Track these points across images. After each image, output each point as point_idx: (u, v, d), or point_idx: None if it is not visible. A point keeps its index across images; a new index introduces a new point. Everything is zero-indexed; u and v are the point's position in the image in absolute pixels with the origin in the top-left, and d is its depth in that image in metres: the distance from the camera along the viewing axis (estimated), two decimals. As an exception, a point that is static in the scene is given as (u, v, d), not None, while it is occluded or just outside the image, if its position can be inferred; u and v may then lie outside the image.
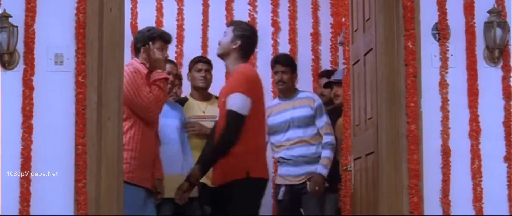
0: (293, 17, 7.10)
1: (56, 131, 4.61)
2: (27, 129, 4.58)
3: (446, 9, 4.80)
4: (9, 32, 4.55)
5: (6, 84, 4.63)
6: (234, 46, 5.08)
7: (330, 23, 7.13)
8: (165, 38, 5.49)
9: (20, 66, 4.64)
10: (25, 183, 4.55)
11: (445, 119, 4.78)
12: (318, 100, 6.42)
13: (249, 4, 6.66)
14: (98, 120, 4.57)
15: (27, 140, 4.57)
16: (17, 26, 4.58)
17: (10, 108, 4.60)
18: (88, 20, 4.60)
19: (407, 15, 4.71)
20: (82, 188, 4.55)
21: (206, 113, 6.25)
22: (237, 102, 4.89)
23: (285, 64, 6.46)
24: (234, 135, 4.89)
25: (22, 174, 4.56)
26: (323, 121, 6.37)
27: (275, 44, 7.31)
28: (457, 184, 4.76)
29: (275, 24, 7.27)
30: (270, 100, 6.56)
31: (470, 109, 4.81)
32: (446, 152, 4.76)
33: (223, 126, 4.97)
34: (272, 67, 6.56)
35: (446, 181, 4.75)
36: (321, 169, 6.27)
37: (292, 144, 6.34)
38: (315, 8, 7.12)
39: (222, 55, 5.17)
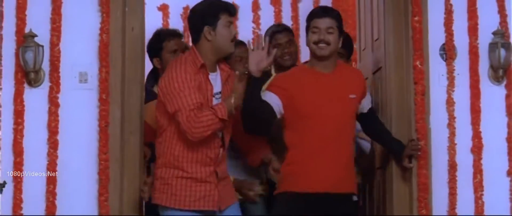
0: (296, 35, 6.90)
1: (80, 146, 4.54)
2: (52, 144, 4.51)
3: (452, 30, 4.76)
4: (35, 51, 4.48)
5: (32, 101, 4.55)
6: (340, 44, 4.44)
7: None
8: (231, 11, 4.25)
9: (46, 84, 4.56)
10: (50, 197, 4.49)
11: (451, 135, 4.75)
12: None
13: (253, 22, 6.60)
14: (121, 136, 4.50)
15: (52, 155, 4.50)
16: (42, 45, 4.50)
17: (36, 124, 4.53)
18: (112, 39, 4.53)
19: (416, 36, 4.67)
20: (105, 201, 4.49)
21: None
22: None
23: None
24: None
25: (48, 188, 4.50)
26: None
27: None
28: (462, 198, 4.74)
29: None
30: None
31: (474, 125, 4.79)
32: (452, 167, 4.74)
33: None
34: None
35: (453, 195, 4.71)
36: (367, 145, 5.12)
37: None
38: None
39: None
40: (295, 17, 6.12)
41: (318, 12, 4.38)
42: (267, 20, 5.93)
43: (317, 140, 4.22)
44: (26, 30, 4.55)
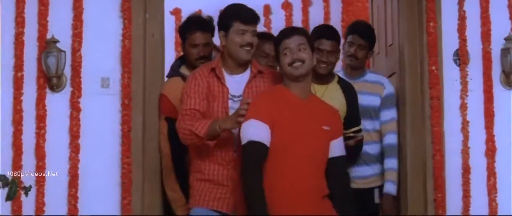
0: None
1: (102, 150, 4.56)
2: (74, 149, 4.53)
3: (465, 36, 4.82)
4: (57, 57, 4.49)
5: (54, 106, 4.57)
6: (314, 62, 4.04)
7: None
8: (243, 19, 4.11)
9: (67, 89, 4.57)
10: (72, 200, 4.52)
11: (465, 139, 4.80)
12: (389, 88, 4.73)
13: (265, 26, 6.28)
14: (142, 140, 4.53)
15: (74, 159, 4.52)
16: (64, 51, 4.52)
17: (58, 129, 4.55)
18: (133, 46, 4.56)
19: (430, 42, 4.73)
20: (127, 205, 4.52)
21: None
22: None
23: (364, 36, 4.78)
24: None
25: (70, 191, 4.53)
26: (390, 114, 4.72)
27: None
28: (476, 200, 4.80)
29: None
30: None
31: (487, 129, 4.84)
32: (466, 170, 4.79)
33: None
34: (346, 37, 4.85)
35: (467, 197, 4.77)
36: (392, 187, 4.64)
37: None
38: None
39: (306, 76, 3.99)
40: (305, 21, 6.12)
41: (285, 33, 4.05)
42: (278, 24, 5.94)
43: (290, 169, 3.85)
44: (48, 36, 4.56)
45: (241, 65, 4.15)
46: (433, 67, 4.77)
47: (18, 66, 4.56)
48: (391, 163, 4.65)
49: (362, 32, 4.72)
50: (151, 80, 4.60)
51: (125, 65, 4.59)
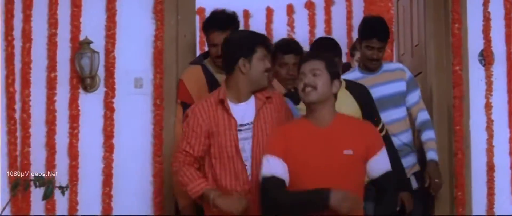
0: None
1: (135, 150, 4.61)
2: (108, 148, 4.58)
3: (490, 37, 4.89)
4: (91, 58, 4.53)
5: (87, 106, 4.61)
6: (335, 89, 3.70)
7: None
8: (267, 45, 3.99)
9: (101, 89, 4.61)
10: (107, 199, 4.57)
11: (490, 138, 4.87)
12: (409, 72, 4.71)
13: (288, 25, 6.49)
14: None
15: (108, 158, 4.57)
16: (98, 52, 4.55)
17: (91, 129, 4.59)
18: (166, 46, 4.59)
19: (455, 42, 4.81)
20: (159, 204, 4.57)
21: None
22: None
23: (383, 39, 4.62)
24: None
25: (104, 190, 4.59)
26: (417, 95, 4.66)
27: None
28: (500, 198, 4.88)
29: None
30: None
31: (510, 128, 4.91)
32: (491, 168, 4.85)
33: None
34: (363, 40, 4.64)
35: (491, 195, 4.84)
36: (434, 154, 4.59)
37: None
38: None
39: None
40: (328, 21, 6.15)
41: (303, 57, 3.84)
42: (301, 23, 5.96)
43: None
44: (81, 37, 4.60)
45: (249, 93, 3.92)
46: (457, 68, 4.84)
47: (51, 67, 4.60)
48: (429, 134, 4.61)
49: (381, 35, 4.56)
50: (183, 81, 4.64)
51: (157, 66, 4.63)
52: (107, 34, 4.64)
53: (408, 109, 4.66)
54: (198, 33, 4.81)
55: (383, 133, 4.24)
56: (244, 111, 3.89)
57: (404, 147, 4.59)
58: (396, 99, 4.60)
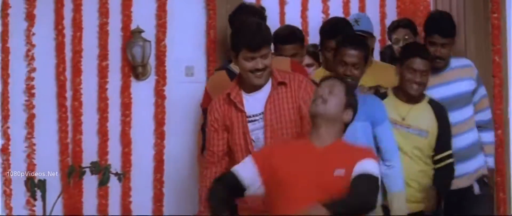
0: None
1: (185, 137, 4.65)
2: (160, 135, 4.65)
3: (529, 26, 4.97)
4: (143, 46, 4.59)
5: (138, 94, 4.68)
6: (346, 117, 3.40)
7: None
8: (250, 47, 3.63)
9: (152, 78, 4.68)
10: (158, 185, 4.65)
11: (528, 125, 4.97)
12: (475, 68, 4.38)
13: (323, 12, 5.81)
14: (224, 127, 4.69)
15: (160, 145, 4.65)
16: (149, 41, 4.61)
17: (142, 116, 4.66)
18: (218, 35, 4.66)
19: (494, 32, 4.90)
20: (209, 189, 4.72)
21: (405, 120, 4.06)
22: None
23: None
24: None
25: (155, 176, 4.67)
26: (483, 91, 4.36)
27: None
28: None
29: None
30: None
31: (546, 115, 5.01)
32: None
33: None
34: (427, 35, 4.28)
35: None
36: (491, 161, 4.36)
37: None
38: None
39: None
40: (362, 8, 6.11)
41: (325, 77, 3.55)
42: (336, 9, 5.96)
43: None
44: (132, 27, 4.65)
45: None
46: (496, 57, 4.95)
47: (103, 55, 4.66)
48: (490, 137, 4.38)
49: (444, 31, 4.21)
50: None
51: (210, 55, 4.69)
52: (158, 23, 4.70)
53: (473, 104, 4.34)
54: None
55: (450, 160, 4.06)
56: (259, 100, 3.72)
57: (472, 148, 4.28)
58: (461, 100, 4.27)
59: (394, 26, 5.06)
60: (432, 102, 4.10)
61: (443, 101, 4.15)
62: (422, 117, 4.02)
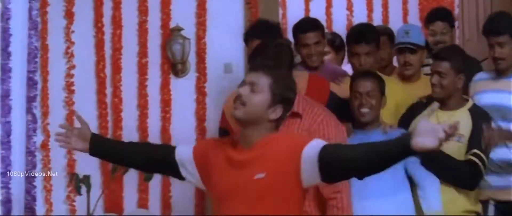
0: (385, 22, 6.21)
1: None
2: (201, 131, 4.70)
3: (557, 19, 5.14)
4: (182, 44, 4.65)
5: (177, 91, 4.73)
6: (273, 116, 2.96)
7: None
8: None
9: (192, 74, 4.73)
10: (199, 180, 4.76)
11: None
12: None
13: (347, 9, 6.07)
14: (264, 123, 4.74)
15: (201, 141, 4.78)
16: (189, 39, 4.67)
17: (182, 112, 4.71)
18: (257, 33, 4.78)
19: (522, 26, 5.06)
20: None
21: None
22: None
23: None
24: None
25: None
26: None
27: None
28: None
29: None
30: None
31: None
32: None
33: None
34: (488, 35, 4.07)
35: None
36: None
37: None
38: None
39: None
40: (385, 5, 6.16)
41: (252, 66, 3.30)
42: (360, 7, 6.03)
43: None
44: (171, 25, 4.70)
45: None
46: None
47: (142, 53, 4.72)
48: None
49: (500, 29, 4.00)
50: (272, 66, 4.76)
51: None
52: (198, 21, 4.75)
53: None
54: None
55: (474, 158, 3.80)
56: None
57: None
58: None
59: (433, 18, 4.81)
60: (472, 110, 3.89)
61: (507, 108, 3.93)
62: (461, 119, 3.52)
